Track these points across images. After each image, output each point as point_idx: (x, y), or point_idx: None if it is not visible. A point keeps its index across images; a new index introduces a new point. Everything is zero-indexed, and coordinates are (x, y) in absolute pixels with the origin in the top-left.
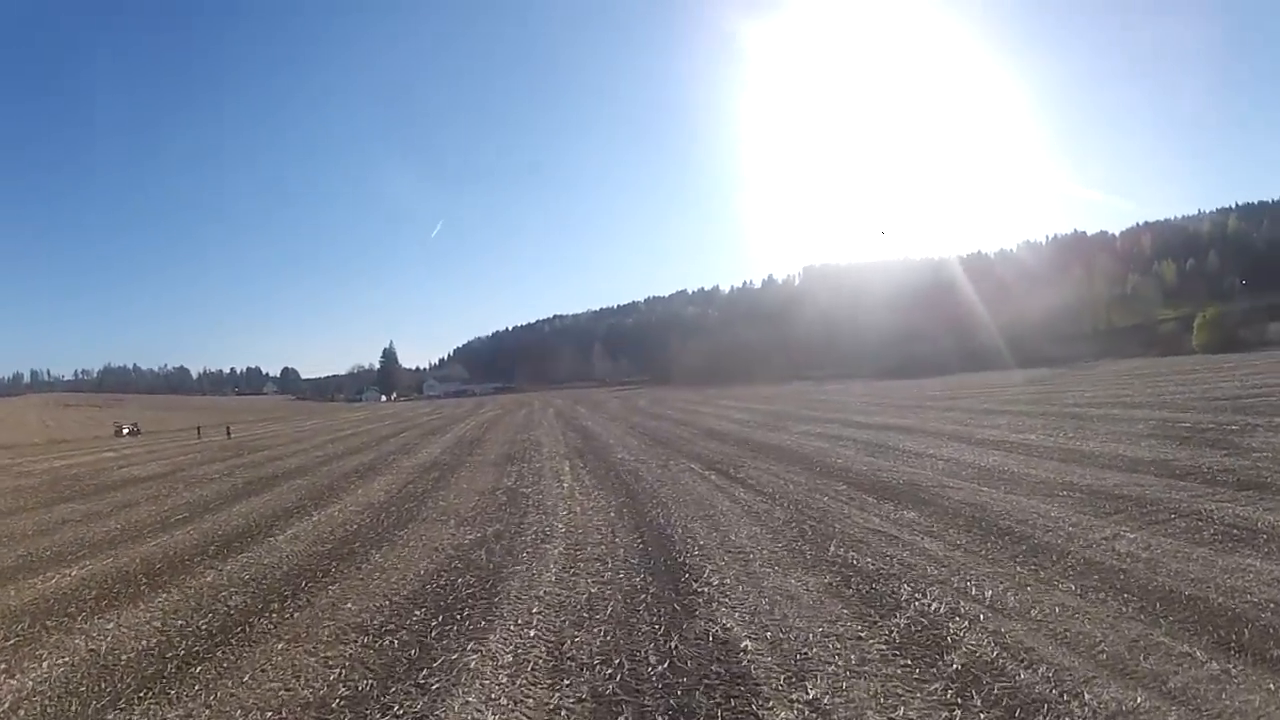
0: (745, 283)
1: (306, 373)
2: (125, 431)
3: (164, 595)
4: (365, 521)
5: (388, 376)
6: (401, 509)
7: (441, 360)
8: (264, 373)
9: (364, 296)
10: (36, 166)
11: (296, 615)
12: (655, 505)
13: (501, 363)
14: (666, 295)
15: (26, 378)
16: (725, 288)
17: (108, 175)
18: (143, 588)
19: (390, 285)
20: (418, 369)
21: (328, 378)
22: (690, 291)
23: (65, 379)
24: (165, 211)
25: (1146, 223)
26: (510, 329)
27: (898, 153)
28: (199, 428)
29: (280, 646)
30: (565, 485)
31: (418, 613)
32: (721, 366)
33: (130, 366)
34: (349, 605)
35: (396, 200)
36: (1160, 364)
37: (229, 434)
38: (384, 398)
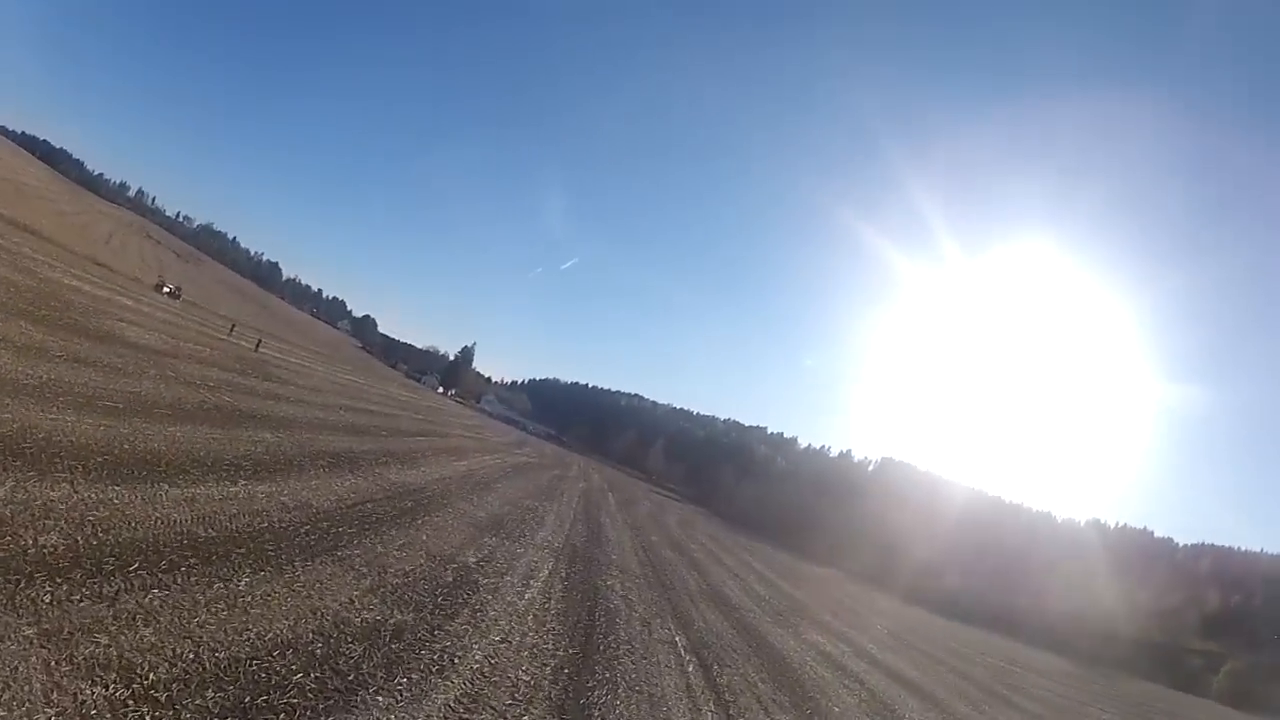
0: (823, 446)
1: (385, 326)
2: (165, 290)
3: None
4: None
5: (455, 371)
6: (308, 532)
7: (514, 382)
8: (347, 307)
9: (474, 287)
10: None
11: None
12: (603, 685)
13: (564, 411)
14: (746, 424)
15: (132, 190)
16: (803, 442)
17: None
18: None
19: (501, 291)
20: (489, 379)
21: (402, 342)
22: (769, 431)
23: (165, 212)
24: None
25: (1211, 544)
26: (589, 385)
27: (1008, 388)
28: (234, 325)
29: None
30: (528, 592)
31: None
32: (765, 516)
33: (230, 236)
34: None
35: (545, 221)
36: (1179, 701)
37: (258, 347)
38: (441, 389)
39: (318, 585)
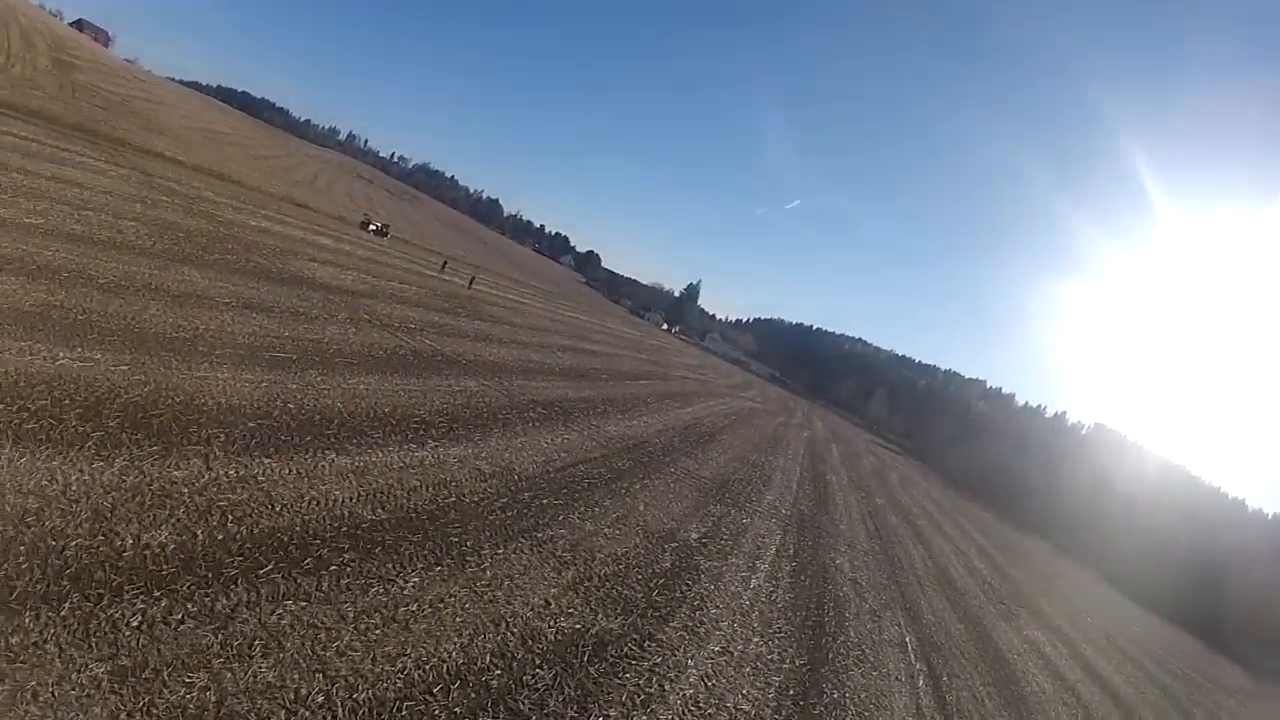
0: (1039, 405)
1: (609, 261)
2: (371, 228)
3: None
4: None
5: (681, 308)
6: (505, 507)
7: (738, 320)
8: (570, 243)
9: (699, 224)
10: None
11: None
12: (831, 711)
13: (787, 352)
14: (966, 376)
15: (343, 134)
16: (1020, 400)
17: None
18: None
19: (726, 226)
20: (713, 316)
21: (626, 277)
22: (988, 385)
23: (378, 153)
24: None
25: None
26: (813, 327)
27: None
28: (445, 262)
29: None
30: (754, 578)
31: None
32: (977, 475)
33: (448, 175)
34: None
35: (770, 160)
36: None
37: (471, 284)
38: (665, 327)
39: (507, 583)
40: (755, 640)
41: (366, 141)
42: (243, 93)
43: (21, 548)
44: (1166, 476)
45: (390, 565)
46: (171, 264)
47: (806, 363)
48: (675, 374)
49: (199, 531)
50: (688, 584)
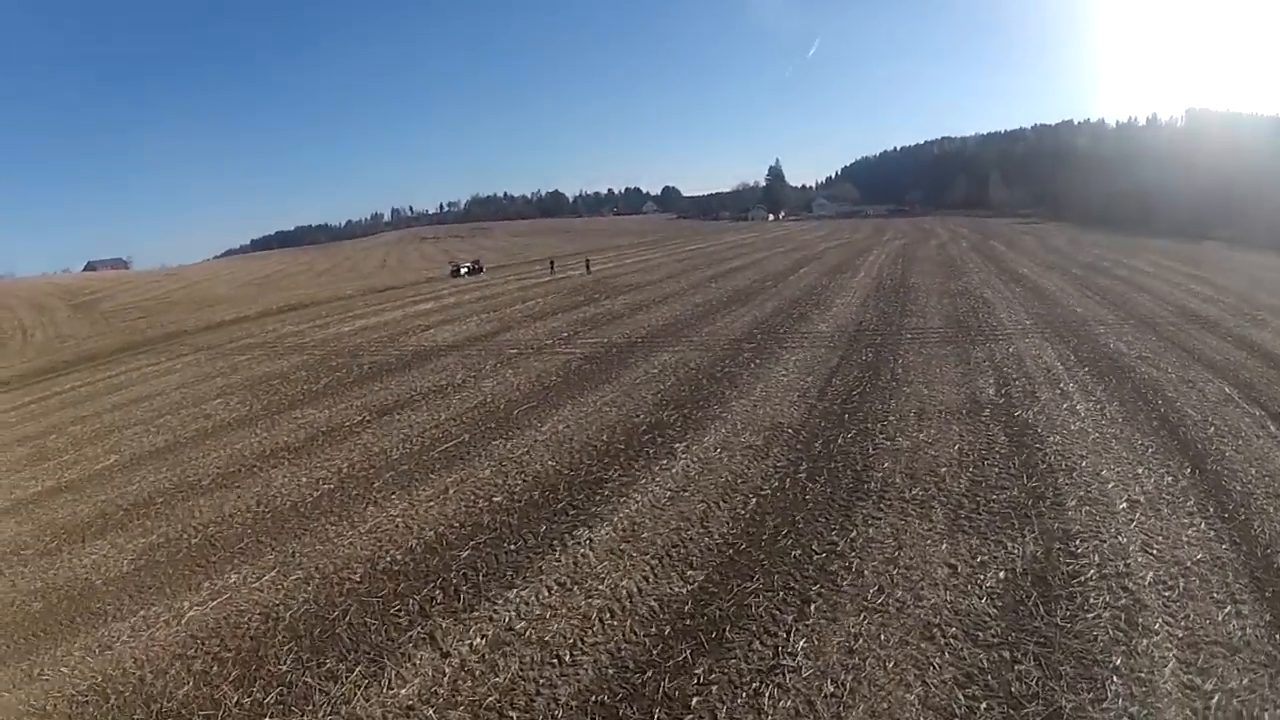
0: (1130, 118)
1: (688, 190)
2: (463, 271)
3: None
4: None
5: (774, 194)
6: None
7: (829, 179)
8: (644, 192)
9: (746, 115)
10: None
11: None
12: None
13: (890, 183)
14: (1054, 124)
15: (386, 216)
16: (1110, 121)
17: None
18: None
19: (770, 104)
20: (803, 187)
21: (710, 195)
22: (1076, 122)
23: (428, 213)
24: (532, 41)
25: None
26: (897, 149)
27: None
28: (552, 261)
29: None
30: (1078, 417)
31: None
32: (1116, 209)
33: (501, 195)
34: None
35: (771, 15)
36: None
37: (589, 268)
38: (771, 216)
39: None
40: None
41: (411, 208)
42: (277, 233)
43: None
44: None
45: None
46: (279, 416)
47: (911, 184)
48: (818, 248)
49: None
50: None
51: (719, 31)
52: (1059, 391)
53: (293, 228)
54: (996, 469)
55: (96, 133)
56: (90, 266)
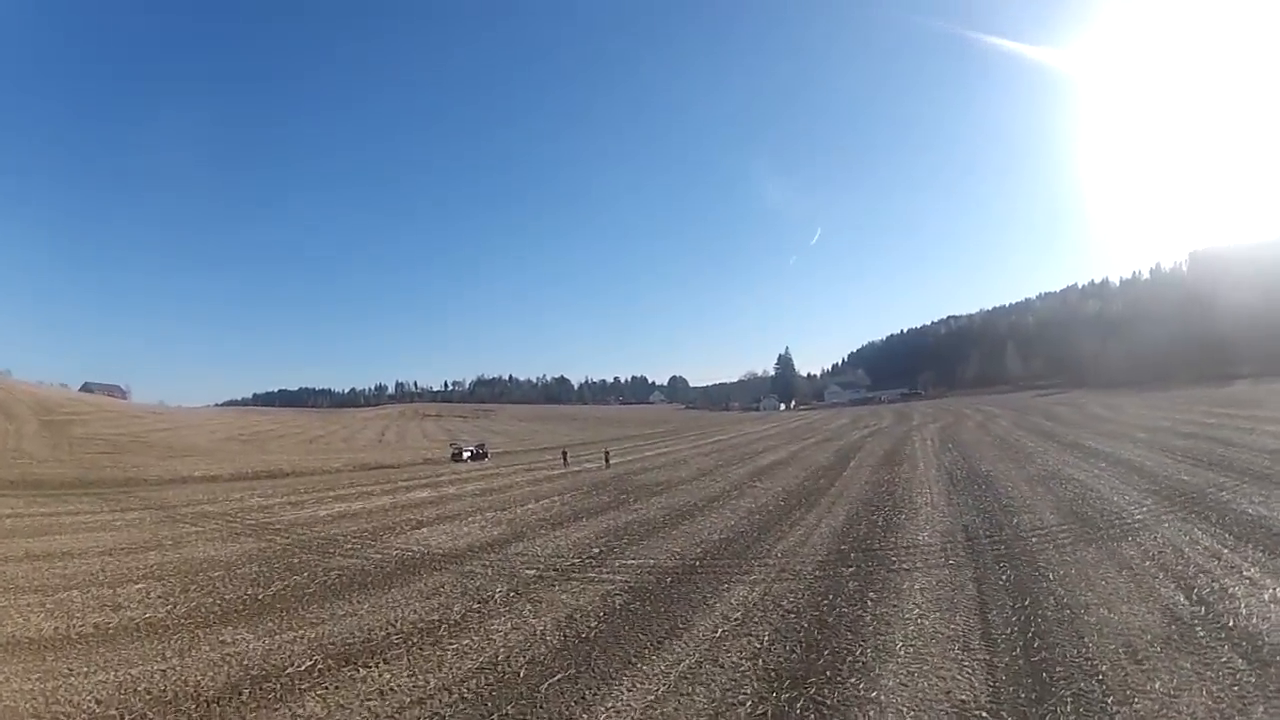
0: (1134, 273)
1: (695, 380)
2: (466, 455)
3: None
4: None
5: (785, 383)
6: None
7: (836, 365)
8: (650, 381)
9: (751, 305)
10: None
11: None
12: None
13: (898, 367)
14: (1058, 290)
15: (390, 389)
16: (1114, 280)
17: (473, 186)
18: None
19: (774, 292)
20: (810, 376)
21: (716, 385)
22: (1081, 286)
23: (433, 390)
24: (545, 230)
25: None
26: (903, 331)
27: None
28: (565, 452)
29: None
30: None
31: None
32: (1141, 366)
33: (506, 377)
34: None
35: (772, 208)
36: None
37: (608, 461)
38: (783, 406)
39: None
40: None
41: (416, 383)
42: (280, 391)
43: None
44: None
45: None
46: (202, 632)
47: (922, 365)
48: (849, 435)
49: None
50: None
51: (725, 222)
52: (1248, 581)
53: (297, 388)
54: None
55: (128, 268)
56: (87, 387)
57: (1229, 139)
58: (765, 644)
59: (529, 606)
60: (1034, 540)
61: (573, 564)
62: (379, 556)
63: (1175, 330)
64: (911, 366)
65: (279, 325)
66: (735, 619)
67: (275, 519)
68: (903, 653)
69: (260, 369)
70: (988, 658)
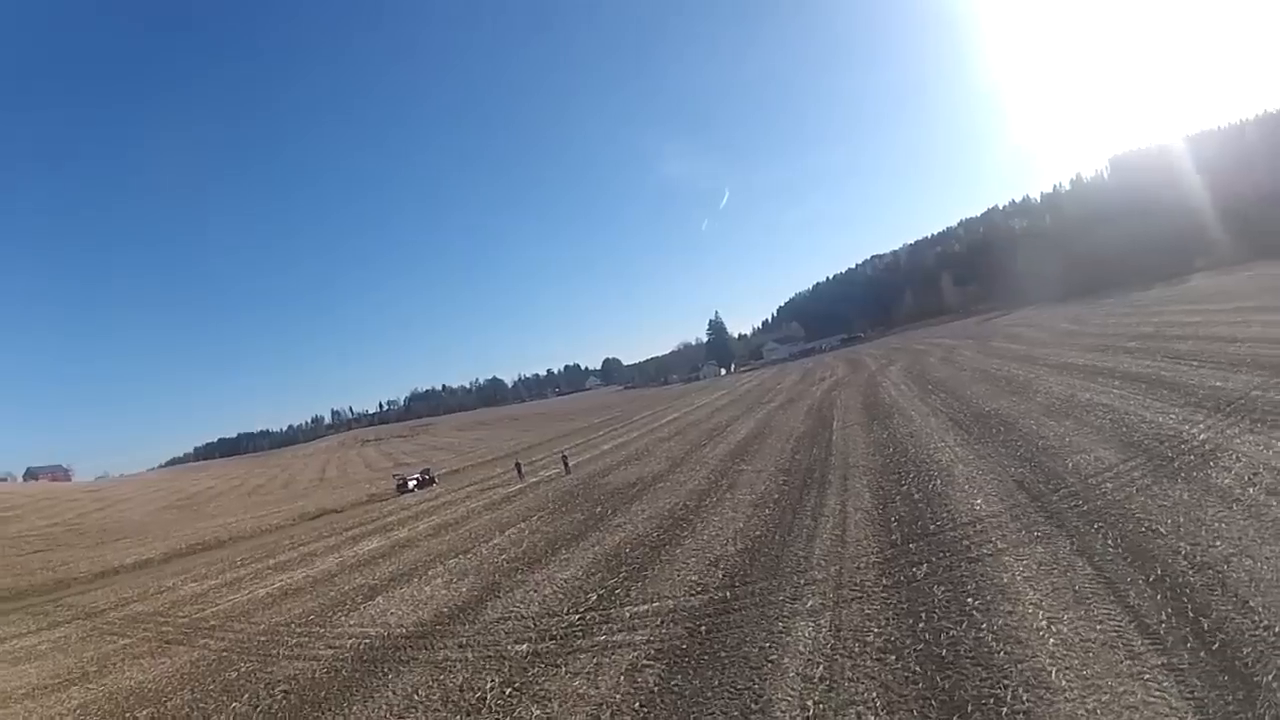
0: (1055, 186)
1: (629, 359)
2: (411, 484)
3: None
4: None
5: (720, 348)
6: None
7: (767, 322)
8: (583, 367)
9: (675, 274)
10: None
11: None
12: None
13: (830, 313)
14: (980, 214)
15: (327, 419)
16: (1035, 196)
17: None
18: None
19: (696, 259)
20: (743, 336)
21: (651, 360)
22: (1001, 206)
23: (369, 413)
24: (461, 233)
25: None
26: (830, 278)
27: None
28: (518, 464)
29: None
30: None
31: None
32: (1086, 276)
33: (439, 388)
34: None
35: (675, 177)
36: None
37: (567, 466)
38: (723, 370)
39: None
40: None
41: (351, 408)
42: (219, 440)
43: None
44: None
45: None
46: None
47: (856, 309)
48: (814, 393)
49: None
50: None
51: (634, 198)
52: None
53: (235, 435)
54: None
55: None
56: (31, 474)
57: (1140, 42)
58: (879, 709)
59: (535, 710)
60: (1109, 486)
61: (571, 624)
62: (330, 652)
63: (1113, 236)
64: (844, 311)
65: (206, 374)
66: (818, 678)
67: (210, 610)
68: (1064, 683)
69: (197, 422)
70: (1166, 660)
